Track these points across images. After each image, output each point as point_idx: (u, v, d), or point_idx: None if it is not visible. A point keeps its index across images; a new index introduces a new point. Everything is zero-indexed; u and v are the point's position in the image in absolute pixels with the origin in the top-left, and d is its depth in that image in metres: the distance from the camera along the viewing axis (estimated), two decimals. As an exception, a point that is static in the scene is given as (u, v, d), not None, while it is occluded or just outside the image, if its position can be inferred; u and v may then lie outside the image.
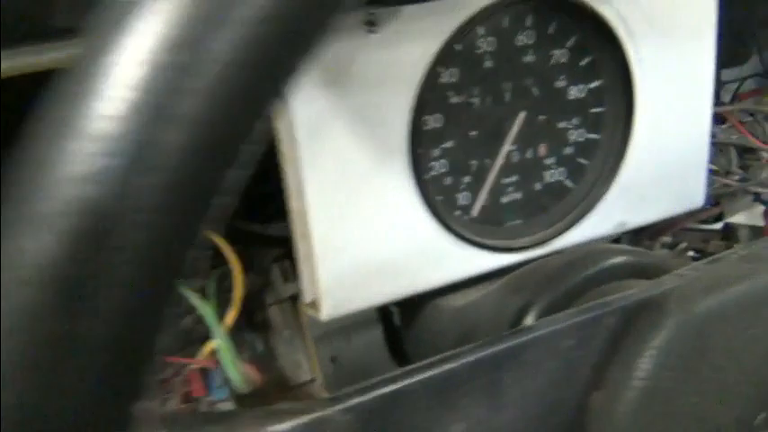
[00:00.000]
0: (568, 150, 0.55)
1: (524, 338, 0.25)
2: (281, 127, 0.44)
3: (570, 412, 0.26)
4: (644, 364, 0.25)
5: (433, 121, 0.50)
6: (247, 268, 0.57)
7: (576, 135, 0.55)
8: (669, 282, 0.28)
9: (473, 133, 0.51)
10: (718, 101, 0.88)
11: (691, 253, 0.69)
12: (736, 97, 0.89)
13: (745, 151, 0.74)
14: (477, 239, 0.52)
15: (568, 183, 0.56)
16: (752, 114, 0.82)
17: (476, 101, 0.51)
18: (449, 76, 0.49)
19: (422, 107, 0.47)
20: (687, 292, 0.27)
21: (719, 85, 0.91)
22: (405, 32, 0.44)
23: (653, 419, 0.25)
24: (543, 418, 0.26)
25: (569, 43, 0.52)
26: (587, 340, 0.26)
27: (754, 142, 0.75)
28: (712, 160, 0.72)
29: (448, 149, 0.51)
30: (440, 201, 0.51)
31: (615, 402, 0.25)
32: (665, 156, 0.56)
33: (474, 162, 0.52)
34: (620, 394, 0.25)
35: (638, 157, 0.55)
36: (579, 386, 0.26)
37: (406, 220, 0.48)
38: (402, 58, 0.44)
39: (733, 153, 0.71)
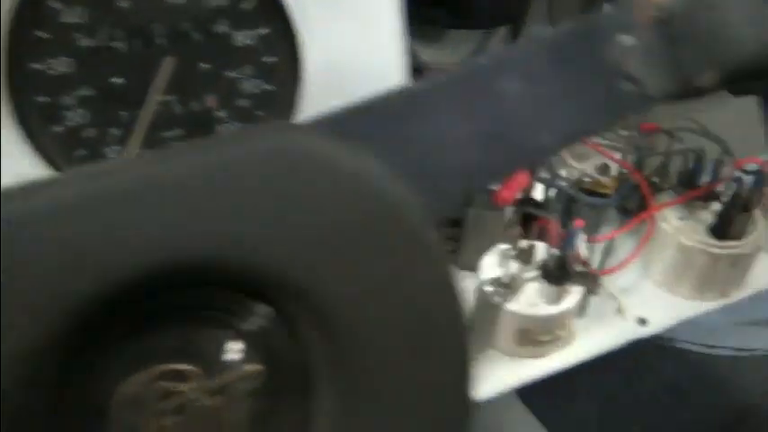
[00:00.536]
0: (243, 102, 0.52)
1: None
2: None
3: None
4: None
5: (60, 66, 0.46)
6: None
7: (250, 86, 0.52)
8: None
9: (117, 81, 0.48)
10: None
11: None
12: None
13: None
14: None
15: (246, 138, 0.52)
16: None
17: (117, 45, 0.47)
18: (72, 15, 0.45)
19: (30, 48, 0.43)
20: None
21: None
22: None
23: None
24: None
25: (223, -15, 0.49)
26: None
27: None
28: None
29: (85, 98, 0.47)
30: (82, 155, 0.47)
31: None
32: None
33: (123, 113, 0.48)
34: None
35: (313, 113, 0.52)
36: None
37: (20, 175, 0.44)
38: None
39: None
